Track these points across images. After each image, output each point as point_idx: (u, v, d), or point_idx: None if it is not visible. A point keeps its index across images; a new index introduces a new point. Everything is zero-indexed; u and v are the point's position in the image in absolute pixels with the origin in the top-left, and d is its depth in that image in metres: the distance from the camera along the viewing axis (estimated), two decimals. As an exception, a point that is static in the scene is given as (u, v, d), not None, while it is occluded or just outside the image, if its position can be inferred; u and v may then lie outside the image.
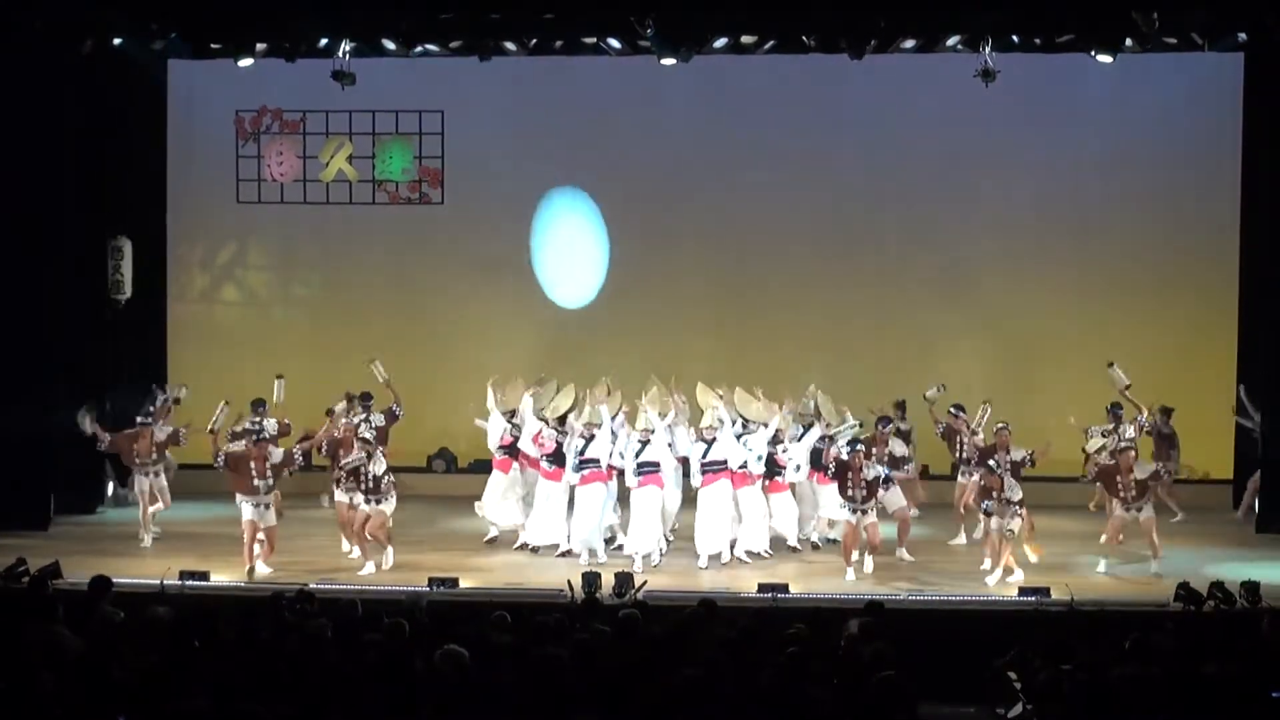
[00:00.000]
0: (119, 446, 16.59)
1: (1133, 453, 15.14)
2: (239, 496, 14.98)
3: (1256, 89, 18.18)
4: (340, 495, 15.49)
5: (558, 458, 15.68)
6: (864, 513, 14.88)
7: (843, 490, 14.97)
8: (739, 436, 15.47)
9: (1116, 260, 19.01)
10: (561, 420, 16.01)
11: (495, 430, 16.30)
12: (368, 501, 14.96)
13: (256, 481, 14.84)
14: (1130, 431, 16.13)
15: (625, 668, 9.06)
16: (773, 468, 15.63)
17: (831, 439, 15.50)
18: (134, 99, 19.05)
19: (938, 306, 19.33)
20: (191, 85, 19.69)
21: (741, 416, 15.73)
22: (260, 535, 14.83)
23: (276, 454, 15.13)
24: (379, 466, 15.02)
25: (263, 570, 14.73)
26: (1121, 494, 14.95)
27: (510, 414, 16.33)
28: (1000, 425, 15.65)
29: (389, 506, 15.05)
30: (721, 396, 15.82)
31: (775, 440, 15.58)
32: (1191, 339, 18.65)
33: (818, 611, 11.62)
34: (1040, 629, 11.75)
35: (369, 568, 14.87)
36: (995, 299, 19.31)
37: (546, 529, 15.81)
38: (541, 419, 15.90)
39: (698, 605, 11.19)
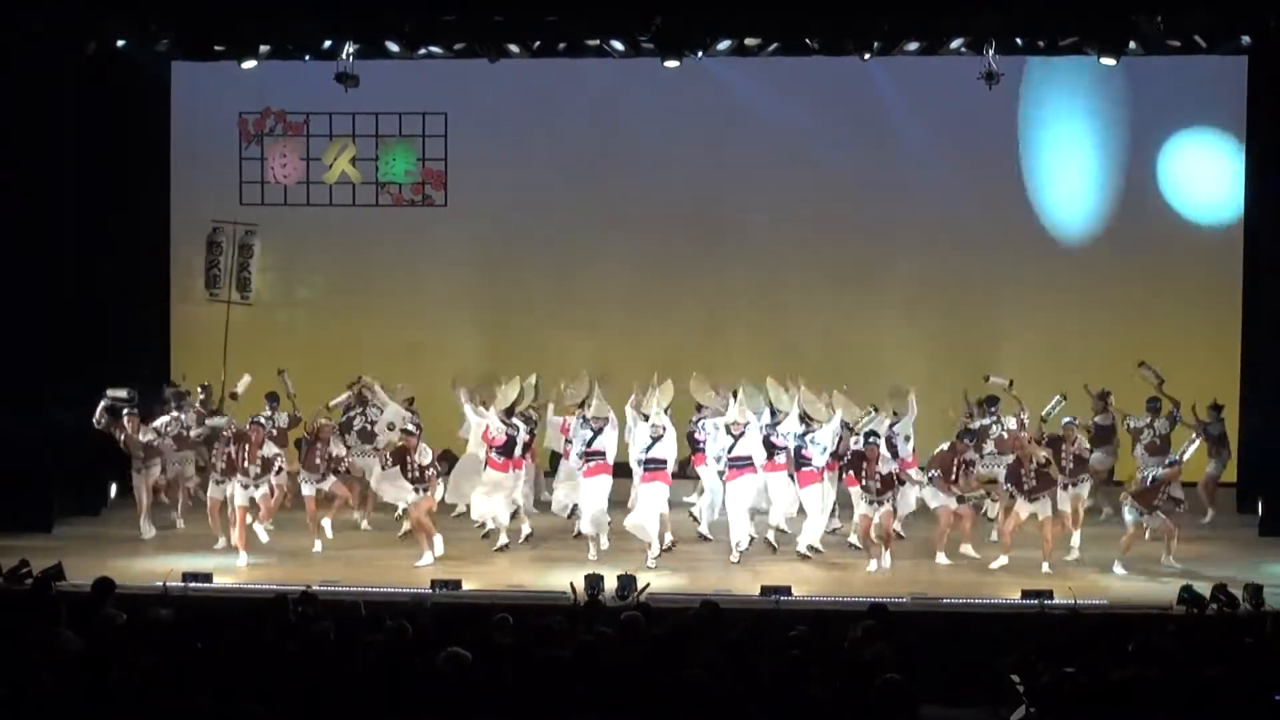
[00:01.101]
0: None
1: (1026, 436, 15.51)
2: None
3: (1260, 91, 18.16)
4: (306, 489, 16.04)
5: (507, 450, 15.83)
6: (879, 504, 15.01)
7: (858, 482, 15.08)
8: (804, 433, 15.62)
9: (1119, 263, 19.01)
10: (509, 413, 16.12)
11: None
12: (415, 490, 15.26)
13: (247, 464, 15.24)
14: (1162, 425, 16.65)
15: (627, 669, 9.06)
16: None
17: (851, 430, 15.70)
18: (137, 101, 19.03)
19: (937, 308, 19.32)
20: (195, 87, 19.68)
21: (805, 413, 15.83)
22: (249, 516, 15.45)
23: (271, 448, 15.55)
24: (425, 457, 15.35)
25: (260, 535, 15.22)
26: (1025, 485, 15.12)
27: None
28: (1067, 420, 15.91)
29: (437, 494, 15.51)
30: (788, 391, 16.00)
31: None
32: (1194, 342, 18.61)
33: (820, 614, 11.63)
34: (1043, 631, 11.76)
35: (426, 558, 15.13)
36: (996, 301, 19.29)
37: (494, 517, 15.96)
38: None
39: (700, 607, 11.20)
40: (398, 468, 15.35)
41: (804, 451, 15.53)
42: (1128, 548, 14.98)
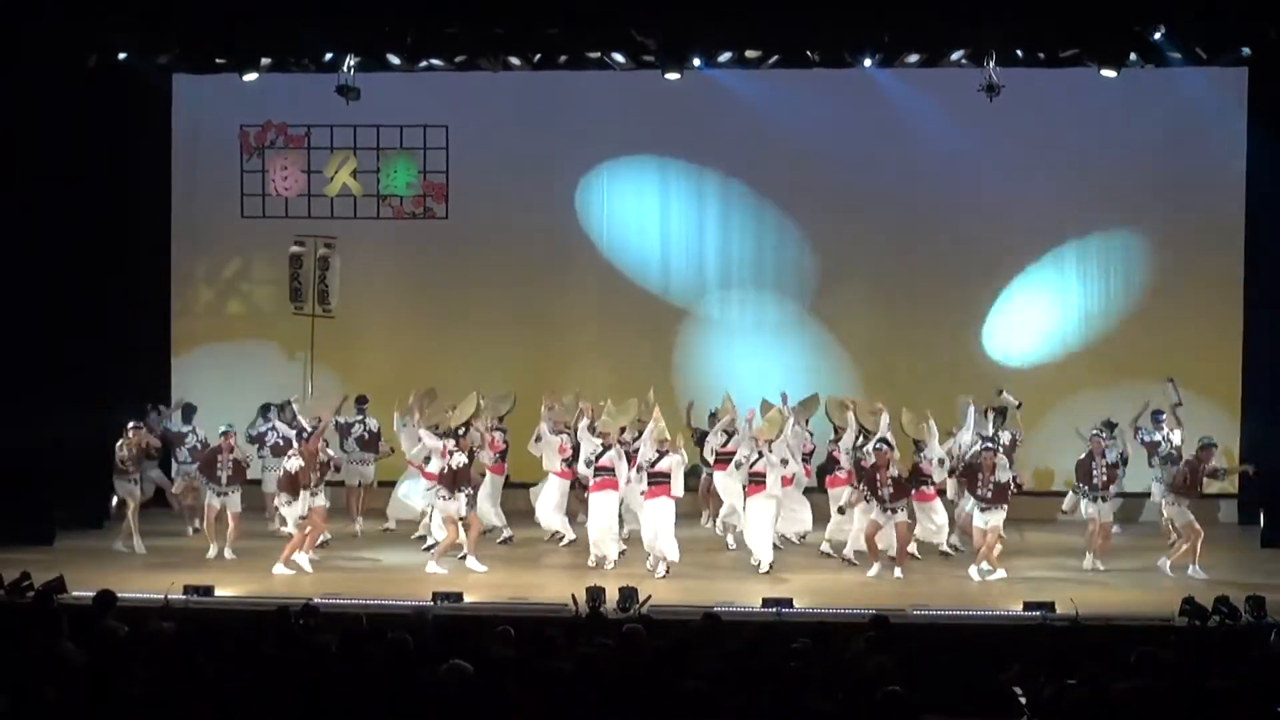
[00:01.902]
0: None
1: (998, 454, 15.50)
2: (285, 497, 15.68)
3: (1260, 102, 18.19)
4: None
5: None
6: (893, 511, 15.04)
7: (872, 490, 15.13)
8: (859, 445, 15.80)
9: (1121, 274, 19.02)
10: (466, 427, 16.19)
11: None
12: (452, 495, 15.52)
13: (311, 474, 15.49)
14: (1177, 437, 16.65)
15: (629, 681, 9.06)
16: (918, 478, 15.71)
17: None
18: (138, 114, 19.05)
19: (938, 317, 19.33)
20: (196, 100, 19.69)
21: (863, 427, 15.99)
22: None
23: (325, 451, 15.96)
24: (457, 460, 15.60)
25: (282, 570, 15.21)
26: (979, 493, 15.17)
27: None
28: (1094, 431, 16.01)
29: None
30: (846, 406, 16.29)
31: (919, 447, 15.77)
32: (1196, 352, 18.61)
33: (821, 626, 11.61)
34: (1045, 643, 11.74)
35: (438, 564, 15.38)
36: (996, 310, 19.33)
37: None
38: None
39: (701, 619, 11.20)
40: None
41: (862, 463, 15.68)
42: (1199, 551, 15.06)
